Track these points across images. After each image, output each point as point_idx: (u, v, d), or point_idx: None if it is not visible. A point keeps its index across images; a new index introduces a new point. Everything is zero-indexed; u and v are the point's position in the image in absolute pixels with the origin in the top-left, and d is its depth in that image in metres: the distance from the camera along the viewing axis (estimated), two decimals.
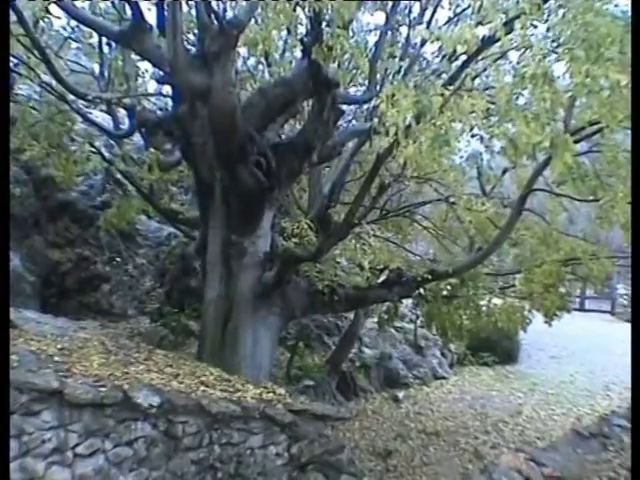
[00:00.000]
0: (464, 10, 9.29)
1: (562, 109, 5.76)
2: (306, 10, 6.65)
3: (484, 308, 9.04)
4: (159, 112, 10.70)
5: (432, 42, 8.40)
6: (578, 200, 8.20)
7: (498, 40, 4.92)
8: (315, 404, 7.48)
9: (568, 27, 4.27)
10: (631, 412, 4.53)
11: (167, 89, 8.97)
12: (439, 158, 5.31)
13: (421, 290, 8.90)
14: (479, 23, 5.60)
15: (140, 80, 10.51)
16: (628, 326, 16.55)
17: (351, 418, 10.50)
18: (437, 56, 9.97)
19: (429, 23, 9.48)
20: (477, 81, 8.86)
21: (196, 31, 7.94)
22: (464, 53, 6.14)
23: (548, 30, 4.73)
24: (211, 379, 6.53)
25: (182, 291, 11.86)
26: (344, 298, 8.24)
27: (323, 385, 11.61)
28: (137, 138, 10.21)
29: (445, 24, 9.55)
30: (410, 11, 9.68)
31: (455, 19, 9.43)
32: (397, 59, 9.27)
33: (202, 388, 6.07)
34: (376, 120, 5.37)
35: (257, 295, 7.84)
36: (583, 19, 4.23)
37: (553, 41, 4.40)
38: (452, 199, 8.53)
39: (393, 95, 4.77)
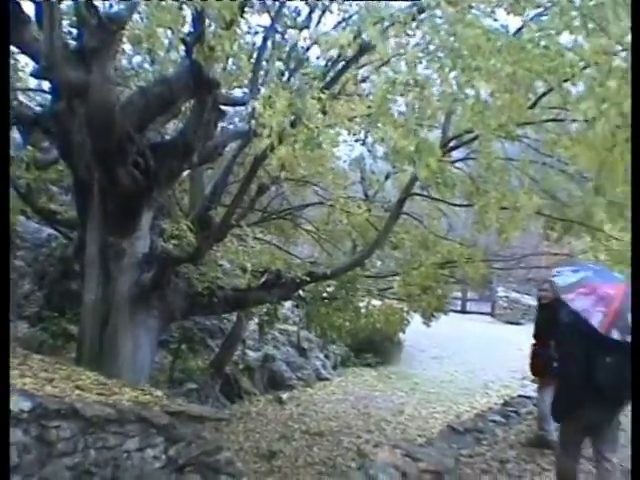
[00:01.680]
0: (351, 16, 9.41)
1: (440, 115, 6.00)
2: (192, 8, 6.58)
3: (363, 310, 9.22)
4: (38, 108, 10.33)
5: (313, 45, 8.54)
6: (453, 205, 8.52)
7: (375, 47, 5.04)
8: (193, 405, 7.44)
9: (438, 36, 4.43)
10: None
11: (48, 84, 8.67)
12: (316, 161, 5.38)
13: (301, 292, 9.00)
14: (359, 30, 5.71)
15: (20, 74, 10.12)
16: (507, 327, 17.53)
17: (229, 419, 10.46)
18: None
19: (316, 27, 9.57)
20: (364, 86, 9.05)
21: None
22: (341, 58, 6.29)
23: (422, 39, 4.89)
24: (87, 383, 6.37)
25: (62, 294, 11.47)
26: (223, 300, 8.22)
27: (206, 388, 11.53)
28: (15, 134, 9.81)
29: (333, 28, 9.66)
30: (298, 14, 9.73)
31: (343, 24, 9.52)
32: (280, 61, 9.30)
33: (77, 392, 5.91)
34: (254, 122, 5.40)
35: (135, 297, 7.71)
36: (453, 30, 4.40)
37: (424, 50, 4.54)
38: (330, 202, 8.65)
39: (270, 97, 4.81)
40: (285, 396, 13.08)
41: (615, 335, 5.29)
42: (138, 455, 6.02)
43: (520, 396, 11.66)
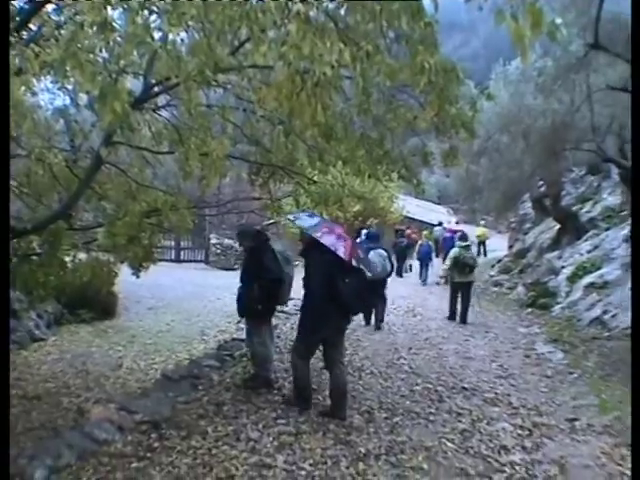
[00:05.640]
0: None
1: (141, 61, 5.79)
2: None
3: (69, 264, 8.82)
4: None
5: None
6: (153, 152, 8.40)
7: None
8: None
9: None
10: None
11: None
12: None
13: None
14: None
15: None
16: (221, 273, 18.06)
17: None
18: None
19: None
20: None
21: None
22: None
23: None
24: None
25: None
26: None
27: None
28: None
29: None
30: None
31: None
32: None
33: None
34: None
35: None
36: None
37: None
38: (25, 153, 8.07)
39: None
40: None
41: (354, 262, 7.11)
42: None
43: (234, 339, 12.06)
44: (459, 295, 15.67)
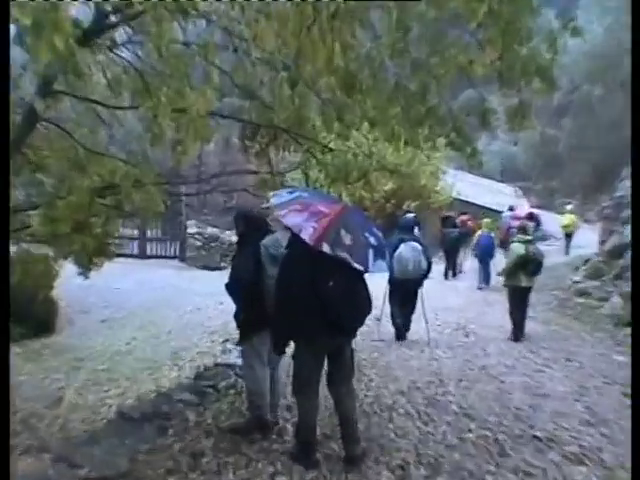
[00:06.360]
0: None
1: None
2: None
3: None
4: None
5: None
6: (108, 107, 8.34)
7: None
8: None
9: None
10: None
11: None
12: None
13: None
14: None
15: None
16: (201, 273, 18.09)
17: None
18: None
19: None
20: None
21: None
22: None
23: None
24: None
25: None
26: None
27: None
28: None
29: None
30: None
31: None
32: None
33: None
34: None
35: None
36: None
37: None
38: None
39: None
40: None
41: (325, 248, 6.71)
42: None
43: (218, 365, 12.03)
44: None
